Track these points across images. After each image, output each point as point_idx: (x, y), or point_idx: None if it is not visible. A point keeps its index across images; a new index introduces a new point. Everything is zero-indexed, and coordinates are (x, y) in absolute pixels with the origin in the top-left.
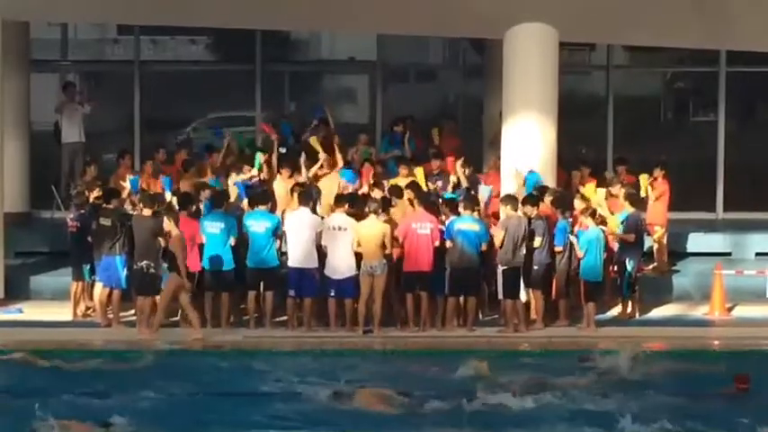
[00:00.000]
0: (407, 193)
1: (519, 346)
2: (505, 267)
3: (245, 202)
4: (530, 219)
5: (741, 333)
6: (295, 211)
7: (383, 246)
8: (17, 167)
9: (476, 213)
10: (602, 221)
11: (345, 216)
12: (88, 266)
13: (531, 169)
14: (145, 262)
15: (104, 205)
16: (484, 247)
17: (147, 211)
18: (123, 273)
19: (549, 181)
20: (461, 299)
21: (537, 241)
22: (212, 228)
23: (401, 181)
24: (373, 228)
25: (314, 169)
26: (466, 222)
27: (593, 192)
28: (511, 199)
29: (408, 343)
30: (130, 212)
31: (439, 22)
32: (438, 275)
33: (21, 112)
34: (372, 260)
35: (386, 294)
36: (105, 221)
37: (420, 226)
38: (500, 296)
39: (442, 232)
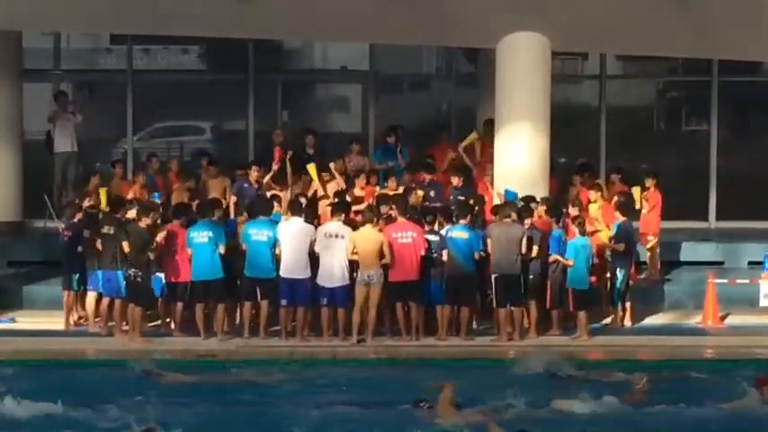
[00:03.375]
0: (388, 206)
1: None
2: (497, 275)
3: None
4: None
5: (734, 342)
6: (288, 221)
7: (380, 254)
8: (10, 177)
9: (467, 221)
10: (593, 231)
11: (341, 224)
12: (77, 276)
13: (506, 188)
14: (133, 270)
15: (113, 214)
16: (477, 256)
17: (143, 222)
18: (124, 282)
19: (542, 189)
20: (455, 308)
21: (534, 250)
22: (200, 237)
23: (391, 192)
24: (370, 236)
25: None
26: (456, 231)
27: (595, 209)
28: (500, 208)
29: (401, 352)
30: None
31: (432, 31)
32: (426, 284)
33: (13, 122)
34: (369, 269)
35: (379, 304)
36: (108, 230)
37: (401, 235)
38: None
39: (428, 242)
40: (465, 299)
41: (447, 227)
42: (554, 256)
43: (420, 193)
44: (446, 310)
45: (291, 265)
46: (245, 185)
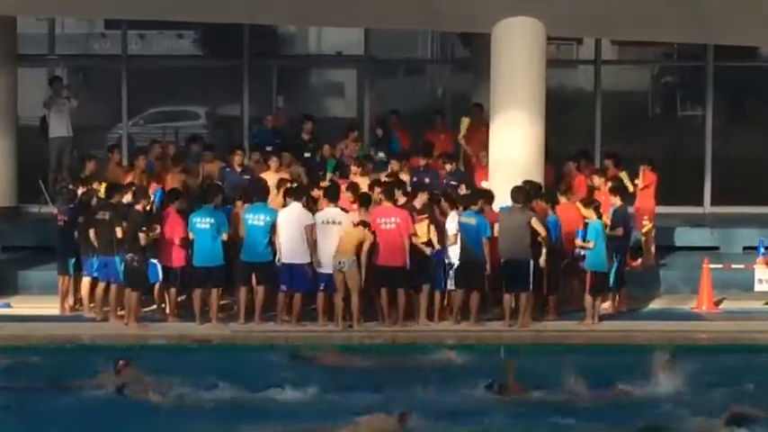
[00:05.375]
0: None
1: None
2: (504, 260)
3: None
4: None
5: (729, 327)
6: (287, 207)
7: (356, 244)
8: (4, 162)
9: (478, 207)
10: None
11: (339, 210)
12: (73, 261)
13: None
14: (129, 255)
15: (108, 200)
16: (485, 242)
17: (139, 206)
18: (121, 267)
19: (537, 176)
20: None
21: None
22: (202, 223)
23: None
24: (354, 227)
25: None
26: (465, 216)
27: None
28: (512, 194)
29: (395, 337)
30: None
31: (426, 16)
32: (416, 270)
33: (8, 107)
34: (341, 256)
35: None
36: (104, 215)
37: (384, 221)
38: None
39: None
40: (474, 284)
41: (452, 213)
42: (577, 242)
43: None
44: (455, 295)
45: (290, 251)
46: (228, 170)
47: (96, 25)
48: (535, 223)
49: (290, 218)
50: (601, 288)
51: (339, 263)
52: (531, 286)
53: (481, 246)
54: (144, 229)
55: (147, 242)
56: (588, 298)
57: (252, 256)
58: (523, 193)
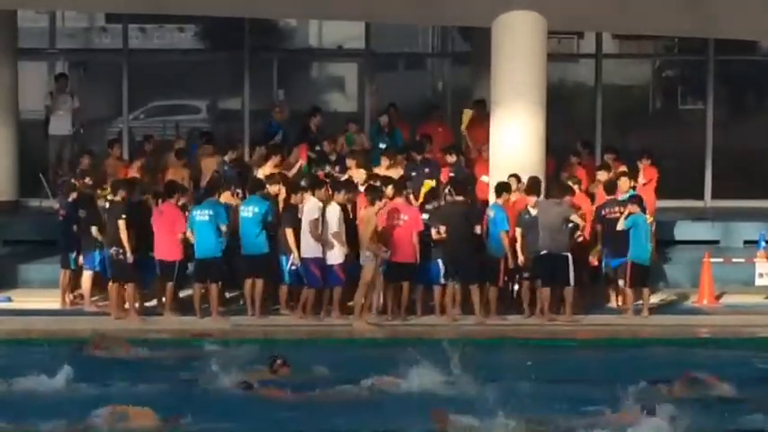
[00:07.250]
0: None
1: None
2: (544, 253)
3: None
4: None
5: (730, 321)
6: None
7: (373, 236)
8: (5, 156)
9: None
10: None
11: (335, 204)
12: (74, 254)
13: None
14: (114, 248)
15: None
16: (503, 234)
17: (118, 198)
18: (99, 259)
19: (538, 169)
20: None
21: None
22: (201, 215)
23: (383, 172)
24: (365, 218)
25: None
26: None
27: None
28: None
29: (399, 332)
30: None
31: (427, 10)
32: (425, 266)
33: (9, 101)
34: (365, 250)
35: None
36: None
37: (393, 217)
38: None
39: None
40: (487, 277)
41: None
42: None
43: (429, 183)
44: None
45: (303, 245)
46: (226, 167)
47: (97, 19)
48: (575, 218)
49: (304, 212)
50: (645, 280)
51: (365, 256)
52: (571, 280)
53: (498, 239)
54: (123, 216)
55: (128, 233)
56: (642, 290)
57: (245, 248)
58: (562, 188)
